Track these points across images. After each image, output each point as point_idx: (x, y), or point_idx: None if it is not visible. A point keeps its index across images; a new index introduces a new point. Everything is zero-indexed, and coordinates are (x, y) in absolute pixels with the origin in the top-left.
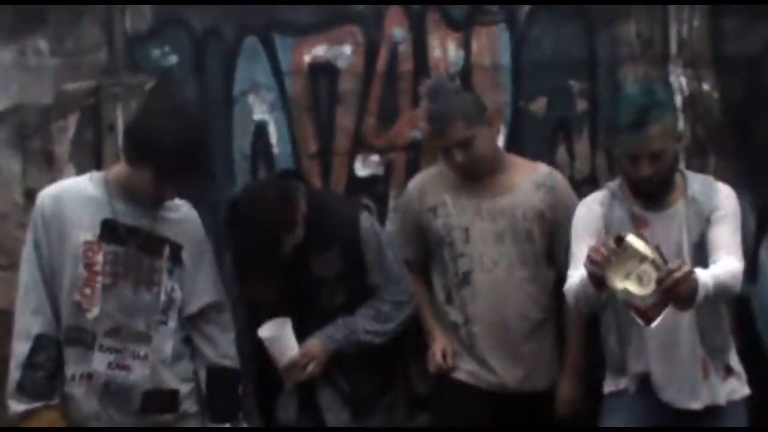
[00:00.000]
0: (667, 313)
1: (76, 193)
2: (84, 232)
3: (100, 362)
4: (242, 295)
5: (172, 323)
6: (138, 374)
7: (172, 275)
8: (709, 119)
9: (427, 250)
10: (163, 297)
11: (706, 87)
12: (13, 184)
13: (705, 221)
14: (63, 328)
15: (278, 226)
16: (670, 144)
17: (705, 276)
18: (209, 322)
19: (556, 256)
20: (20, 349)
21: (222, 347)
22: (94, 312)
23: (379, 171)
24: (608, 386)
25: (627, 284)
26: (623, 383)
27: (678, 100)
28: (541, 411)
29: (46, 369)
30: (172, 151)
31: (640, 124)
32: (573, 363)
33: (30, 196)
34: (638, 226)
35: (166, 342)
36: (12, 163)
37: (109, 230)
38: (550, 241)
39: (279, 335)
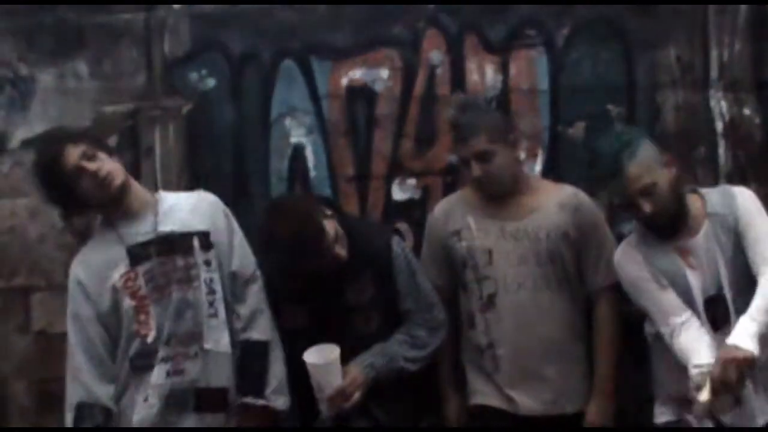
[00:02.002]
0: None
1: (96, 244)
2: (117, 269)
3: (158, 375)
4: (276, 322)
5: (222, 314)
6: (191, 374)
7: (209, 266)
8: (750, 144)
9: (455, 275)
10: (204, 290)
11: (747, 112)
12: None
13: (733, 233)
14: (129, 359)
15: (305, 239)
16: (658, 174)
17: (749, 335)
18: (237, 300)
19: (584, 276)
20: (68, 417)
21: (249, 321)
22: (152, 334)
23: (416, 195)
24: (663, 416)
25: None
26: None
27: (719, 125)
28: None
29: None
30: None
31: (615, 171)
32: (602, 386)
33: (68, 218)
34: (684, 255)
35: (221, 334)
36: None
37: (136, 254)
38: (578, 262)
39: (327, 363)
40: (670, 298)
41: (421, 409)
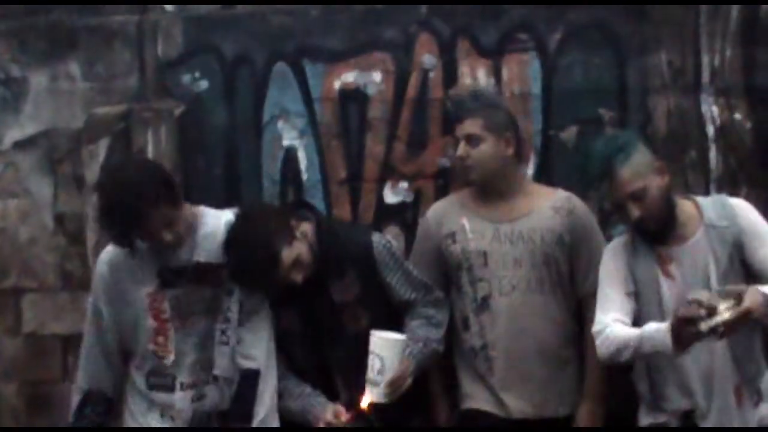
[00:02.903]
0: (703, 345)
1: (127, 254)
2: (145, 286)
3: (182, 401)
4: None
5: (232, 341)
6: (213, 398)
7: (232, 295)
8: (740, 149)
9: (447, 279)
10: (219, 318)
11: (737, 116)
12: (44, 208)
13: (731, 245)
14: (143, 376)
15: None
16: (649, 180)
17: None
18: (240, 326)
19: (575, 279)
20: (74, 400)
21: (248, 348)
22: (170, 358)
23: (408, 198)
24: (645, 420)
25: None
26: (662, 418)
27: (710, 129)
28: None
29: (91, 421)
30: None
31: (606, 173)
32: (593, 389)
33: (60, 220)
34: (664, 263)
35: (229, 360)
36: (42, 187)
37: (166, 277)
38: (571, 265)
39: (398, 339)
40: (623, 301)
41: (410, 410)
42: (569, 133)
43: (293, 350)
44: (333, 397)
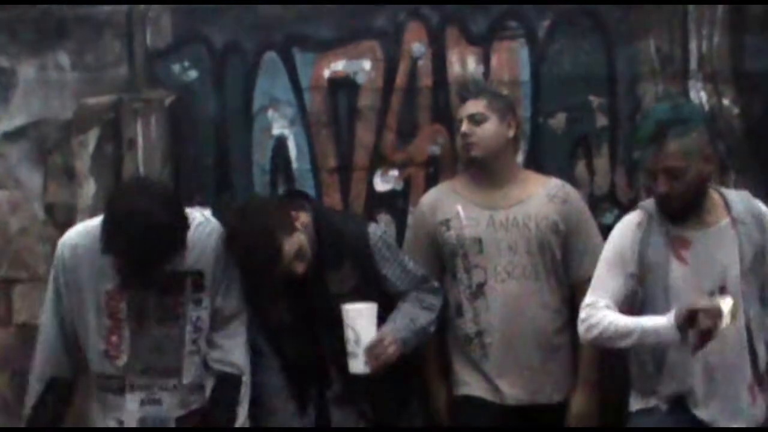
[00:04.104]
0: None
1: (93, 244)
2: (105, 282)
3: (132, 402)
4: (259, 318)
5: (203, 349)
6: (168, 404)
7: (199, 305)
8: (729, 135)
9: (441, 266)
10: (188, 328)
11: (726, 103)
12: (34, 198)
13: (756, 246)
14: (93, 374)
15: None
16: (693, 163)
17: None
18: (218, 330)
19: (568, 266)
20: (34, 388)
21: (226, 354)
22: (123, 359)
23: (398, 186)
24: (636, 404)
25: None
26: (653, 401)
27: None
28: (556, 424)
29: (53, 411)
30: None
31: (657, 138)
32: (586, 376)
33: (50, 210)
34: (678, 247)
35: (199, 368)
36: (32, 178)
37: (129, 278)
38: (565, 252)
39: (367, 306)
40: (618, 284)
41: (406, 402)
42: (558, 120)
43: (283, 344)
44: (327, 387)
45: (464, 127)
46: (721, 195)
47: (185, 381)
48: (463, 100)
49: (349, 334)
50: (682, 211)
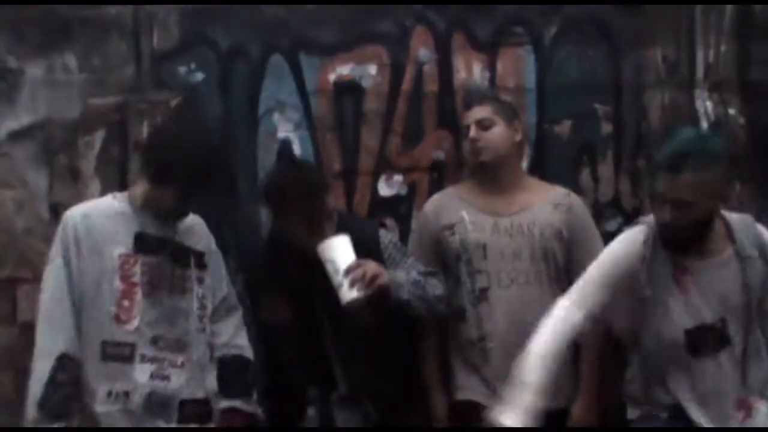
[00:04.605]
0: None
1: (105, 210)
2: (118, 246)
3: (142, 373)
4: (259, 318)
5: (208, 330)
6: (176, 383)
7: (202, 283)
8: (734, 144)
9: (444, 271)
10: (196, 304)
11: (731, 112)
12: (39, 199)
13: (763, 277)
14: (98, 344)
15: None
16: (703, 198)
17: None
18: (219, 321)
19: (571, 274)
20: (43, 366)
21: (232, 338)
22: (134, 323)
23: (403, 191)
24: (634, 414)
25: None
26: (650, 409)
27: (704, 125)
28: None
29: (67, 388)
30: (193, 170)
31: (674, 167)
32: (588, 383)
33: (55, 211)
34: (679, 274)
35: (206, 349)
36: (38, 178)
37: (143, 243)
38: (568, 260)
39: (337, 237)
40: (604, 296)
41: (409, 403)
42: (563, 127)
43: (284, 343)
44: (331, 387)
45: (473, 132)
46: (724, 221)
47: (194, 357)
48: (469, 106)
49: (329, 268)
50: (682, 241)
